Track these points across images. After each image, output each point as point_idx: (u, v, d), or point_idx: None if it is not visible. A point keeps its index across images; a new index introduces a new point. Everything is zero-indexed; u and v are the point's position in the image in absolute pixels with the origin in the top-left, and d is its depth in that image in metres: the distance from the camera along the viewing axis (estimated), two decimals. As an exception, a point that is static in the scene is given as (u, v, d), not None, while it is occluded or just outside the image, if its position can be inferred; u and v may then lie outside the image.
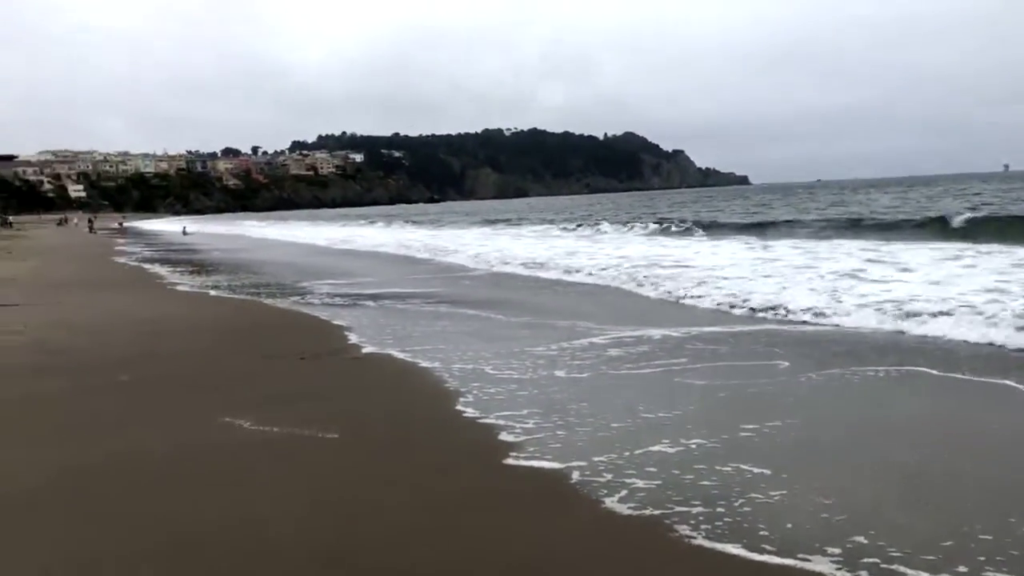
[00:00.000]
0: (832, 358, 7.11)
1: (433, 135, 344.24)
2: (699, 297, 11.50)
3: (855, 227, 24.82)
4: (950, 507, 3.78)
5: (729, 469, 4.36)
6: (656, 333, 8.68)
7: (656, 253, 19.44)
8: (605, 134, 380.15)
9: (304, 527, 3.78)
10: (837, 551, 3.32)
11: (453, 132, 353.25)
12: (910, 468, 4.33)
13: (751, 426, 5.12)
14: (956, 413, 5.48)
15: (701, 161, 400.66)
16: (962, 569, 3.14)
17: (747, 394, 6.02)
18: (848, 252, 16.72)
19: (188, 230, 58.29)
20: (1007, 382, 6.03)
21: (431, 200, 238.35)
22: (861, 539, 3.43)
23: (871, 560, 3.23)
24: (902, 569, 3.15)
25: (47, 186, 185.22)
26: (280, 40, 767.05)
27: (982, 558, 3.21)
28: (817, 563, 3.24)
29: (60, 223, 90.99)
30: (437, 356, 7.75)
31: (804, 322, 9.19)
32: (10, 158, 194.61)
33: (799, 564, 3.23)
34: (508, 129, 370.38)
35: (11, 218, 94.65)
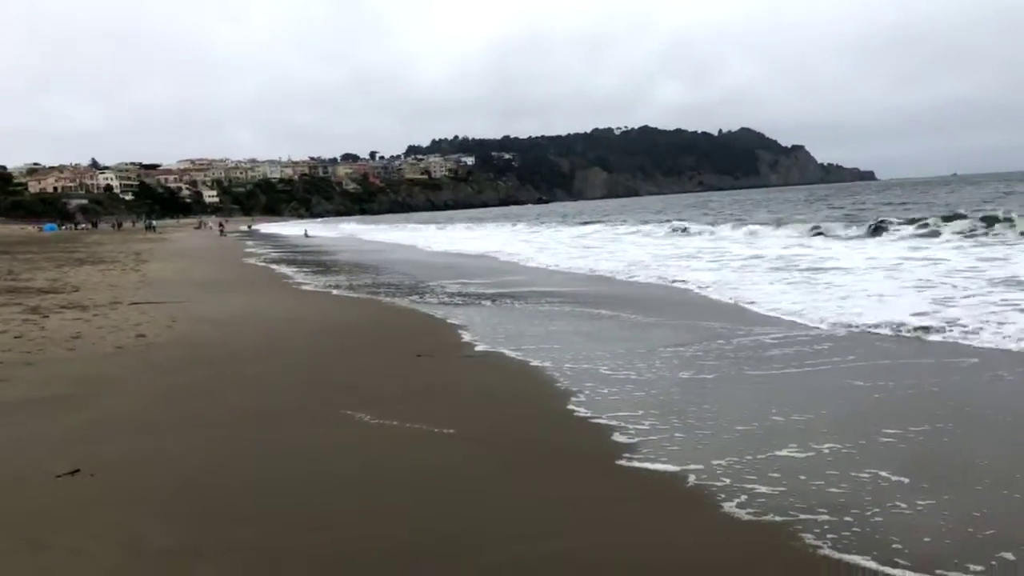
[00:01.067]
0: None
1: (543, 136, 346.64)
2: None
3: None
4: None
5: (863, 476, 4.15)
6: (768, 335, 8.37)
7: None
8: (720, 130, 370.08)
9: (424, 520, 3.90)
10: (980, 568, 3.10)
11: (562, 133, 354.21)
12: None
13: (892, 431, 4.87)
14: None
15: (823, 157, 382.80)
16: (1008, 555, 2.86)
17: (896, 397, 5.71)
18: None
19: (309, 233, 61.18)
20: None
21: (540, 201, 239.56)
22: (1008, 555, 3.19)
23: (1019, 581, 3.00)
24: (1056, 592, 2.91)
25: (185, 192, 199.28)
26: (396, 48, 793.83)
27: None
28: (958, 581, 3.03)
29: (197, 227, 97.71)
30: (549, 355, 7.79)
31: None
32: (154, 167, 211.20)
33: (937, 581, 3.04)
34: (618, 128, 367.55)
35: (155, 222, 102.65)
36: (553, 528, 3.73)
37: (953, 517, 3.62)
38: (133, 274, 21.58)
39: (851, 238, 22.54)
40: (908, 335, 7.94)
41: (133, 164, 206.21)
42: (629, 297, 12.69)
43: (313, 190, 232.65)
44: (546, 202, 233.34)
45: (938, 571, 3.11)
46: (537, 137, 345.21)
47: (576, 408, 5.82)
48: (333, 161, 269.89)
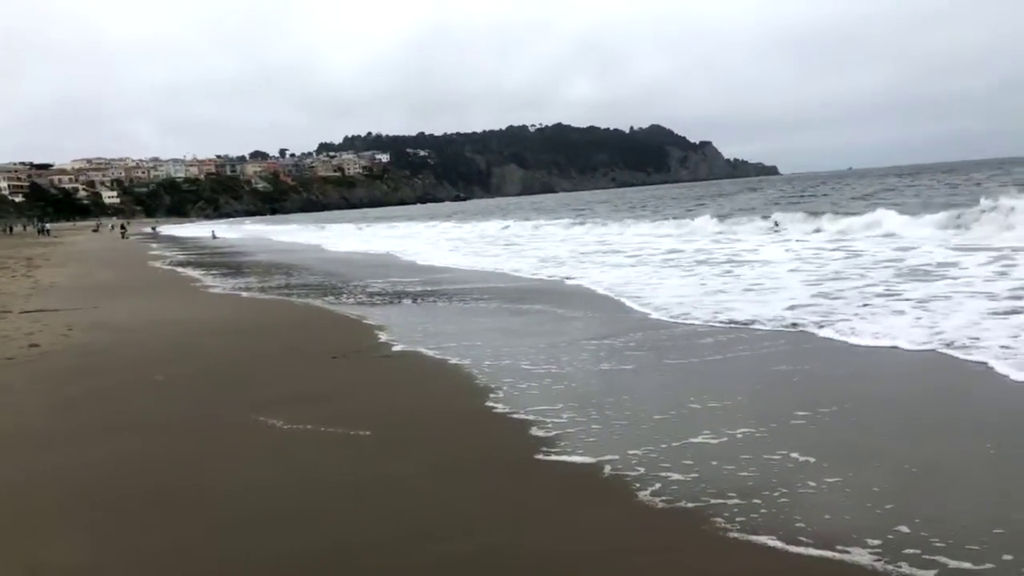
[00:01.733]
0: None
1: (458, 133, 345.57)
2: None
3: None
4: (999, 497, 3.71)
5: (774, 459, 4.32)
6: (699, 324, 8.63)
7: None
8: (631, 127, 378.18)
9: (340, 524, 3.82)
10: (877, 542, 3.28)
11: (478, 129, 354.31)
12: (958, 457, 4.26)
13: (803, 413, 5.09)
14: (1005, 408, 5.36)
15: (729, 152, 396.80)
16: (1007, 558, 3.07)
17: (798, 383, 5.96)
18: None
19: (217, 234, 59.12)
20: None
21: (458, 198, 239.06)
22: (904, 528, 3.38)
23: (912, 551, 3.18)
24: (943, 559, 3.10)
25: (82, 193, 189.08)
26: (306, 42, 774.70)
27: (1027, 548, 3.15)
28: (856, 555, 3.19)
29: (95, 229, 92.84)
30: (469, 353, 7.77)
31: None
32: (47, 167, 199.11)
33: (837, 556, 3.19)
34: (533, 125, 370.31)
35: (48, 225, 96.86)
36: (471, 526, 3.72)
37: (854, 494, 3.81)
38: (24, 280, 20.32)
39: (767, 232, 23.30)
40: (800, 328, 8.30)
41: (23, 164, 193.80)
42: (545, 292, 12.80)
43: (221, 190, 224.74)
44: (464, 199, 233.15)
45: (838, 546, 3.26)
46: (453, 134, 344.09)
47: (494, 405, 5.83)
48: (241, 159, 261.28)
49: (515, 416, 5.48)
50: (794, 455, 4.36)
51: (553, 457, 4.60)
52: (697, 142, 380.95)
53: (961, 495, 3.77)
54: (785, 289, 10.90)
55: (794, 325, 8.22)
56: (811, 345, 7.36)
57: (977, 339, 6.82)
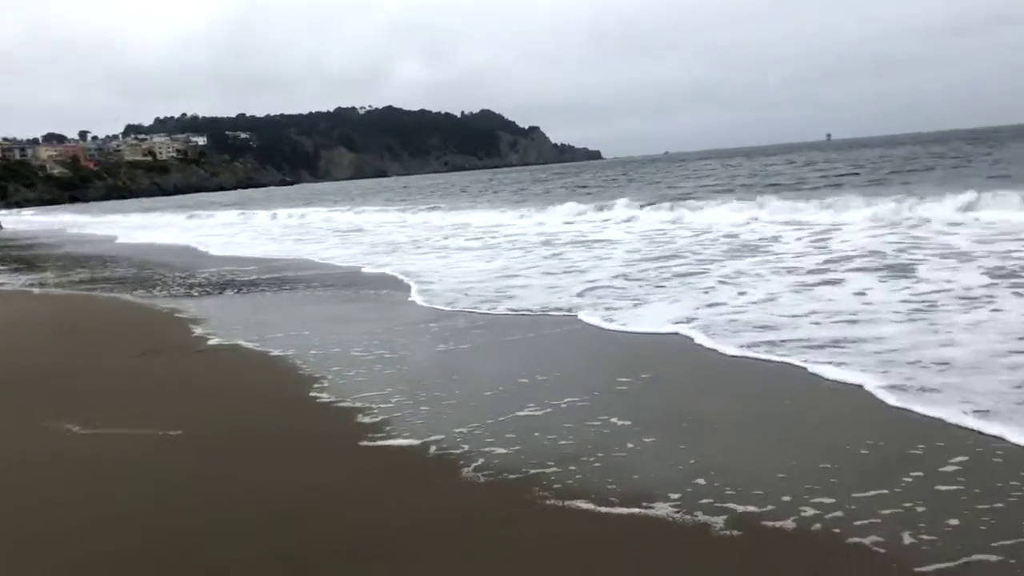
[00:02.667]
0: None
1: (282, 115, 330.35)
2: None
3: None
4: (779, 453, 4.14)
5: (592, 426, 4.54)
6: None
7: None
8: (462, 112, 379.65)
9: (140, 530, 3.57)
10: (677, 495, 3.55)
11: (304, 111, 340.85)
12: (743, 417, 4.70)
13: (626, 379, 5.43)
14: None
15: (557, 137, 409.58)
16: (786, 499, 3.44)
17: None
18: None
19: (4, 225, 52.82)
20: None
21: (284, 183, 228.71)
22: (701, 481, 3.69)
23: (707, 501, 3.48)
24: (733, 505, 3.42)
25: None
26: (106, 14, 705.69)
27: (807, 486, 3.54)
28: (658, 508, 3.44)
29: None
30: (293, 343, 7.51)
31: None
32: None
33: (641, 512, 3.42)
34: (362, 107, 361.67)
35: None
36: (290, 520, 3.61)
37: (660, 454, 4.10)
38: None
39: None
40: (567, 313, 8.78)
41: None
42: (361, 279, 12.62)
43: (9, 176, 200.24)
44: (291, 183, 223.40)
45: (643, 503, 3.50)
46: (276, 115, 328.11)
47: (319, 394, 5.68)
48: (33, 142, 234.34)
49: (342, 404, 5.37)
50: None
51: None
52: (527, 127, 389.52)
53: (747, 448, 4.17)
54: (598, 269, 11.41)
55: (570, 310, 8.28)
56: (568, 328, 7.59)
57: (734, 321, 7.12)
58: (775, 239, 13.48)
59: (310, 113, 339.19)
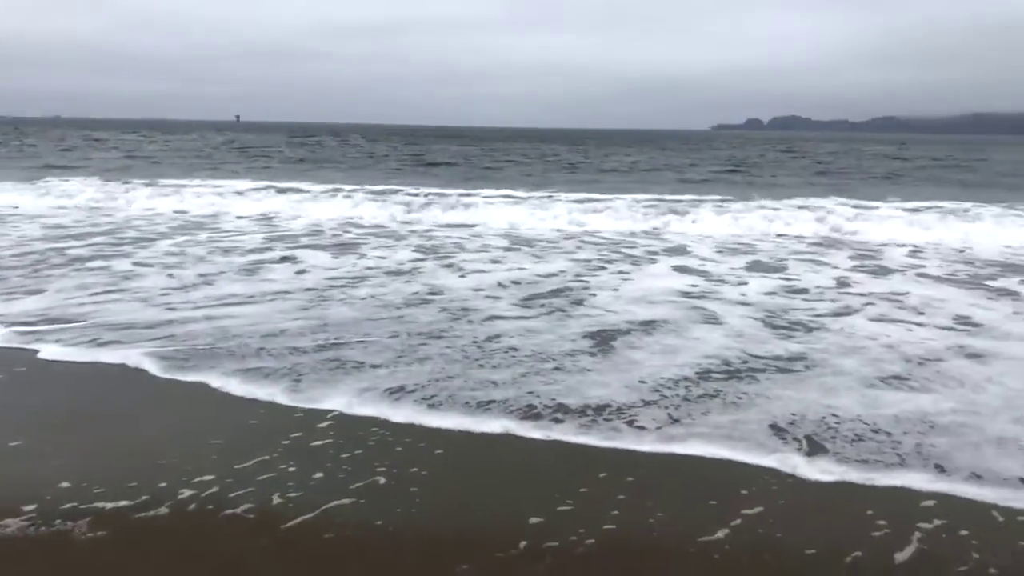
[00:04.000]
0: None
1: None
2: None
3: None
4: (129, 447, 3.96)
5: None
6: None
7: None
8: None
9: None
10: (33, 507, 3.09)
11: None
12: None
13: None
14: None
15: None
16: (65, 485, 3.29)
17: None
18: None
19: None
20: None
21: None
22: (66, 484, 3.29)
23: (69, 506, 3.11)
24: (101, 504, 3.13)
25: None
26: None
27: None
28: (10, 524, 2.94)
29: None
30: None
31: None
32: None
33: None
34: None
35: None
36: None
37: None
38: None
39: None
40: None
41: None
42: None
43: None
44: None
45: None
46: None
47: None
48: None
49: None
50: None
51: None
52: None
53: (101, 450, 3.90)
54: None
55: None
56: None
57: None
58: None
59: None
